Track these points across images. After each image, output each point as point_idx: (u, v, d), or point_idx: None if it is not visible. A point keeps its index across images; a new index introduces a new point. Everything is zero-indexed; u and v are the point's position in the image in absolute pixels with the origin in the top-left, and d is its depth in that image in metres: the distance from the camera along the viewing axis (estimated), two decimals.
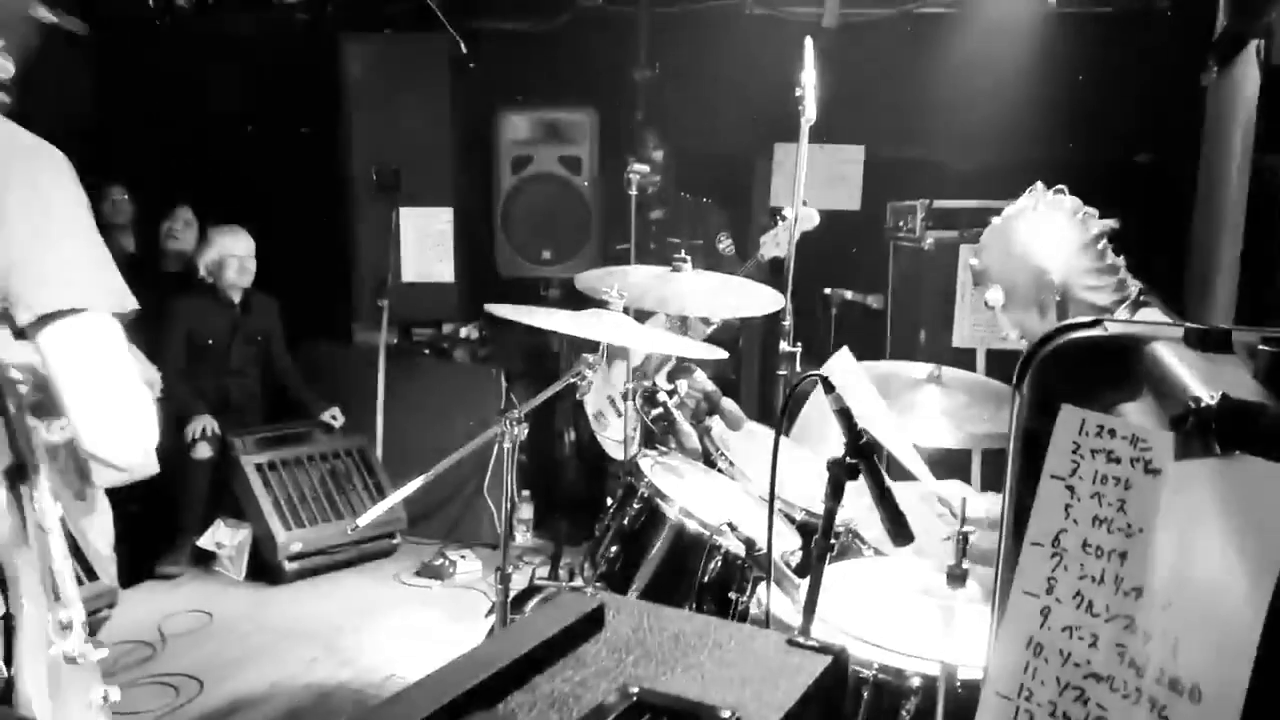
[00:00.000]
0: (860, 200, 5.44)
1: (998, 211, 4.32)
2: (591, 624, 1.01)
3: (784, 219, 4.19)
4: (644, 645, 0.99)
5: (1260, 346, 1.04)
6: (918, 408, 3.03)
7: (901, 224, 4.49)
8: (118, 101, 5.77)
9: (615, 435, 4.62)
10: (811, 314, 4.61)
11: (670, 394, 2.76)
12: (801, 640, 1.00)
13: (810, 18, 5.10)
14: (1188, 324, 1.15)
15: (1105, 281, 2.26)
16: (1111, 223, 2.31)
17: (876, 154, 5.49)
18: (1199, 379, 1.02)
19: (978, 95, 4.98)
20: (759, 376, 5.49)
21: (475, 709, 0.83)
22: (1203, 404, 0.95)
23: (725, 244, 4.92)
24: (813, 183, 5.33)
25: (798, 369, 3.56)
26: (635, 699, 0.88)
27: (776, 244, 4.13)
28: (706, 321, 4.37)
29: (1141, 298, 2.37)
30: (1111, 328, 1.21)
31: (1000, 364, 4.02)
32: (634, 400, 2.91)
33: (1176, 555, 0.93)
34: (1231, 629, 0.86)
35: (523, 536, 5.27)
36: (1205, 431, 0.92)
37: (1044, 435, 1.18)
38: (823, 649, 0.99)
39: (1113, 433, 1.01)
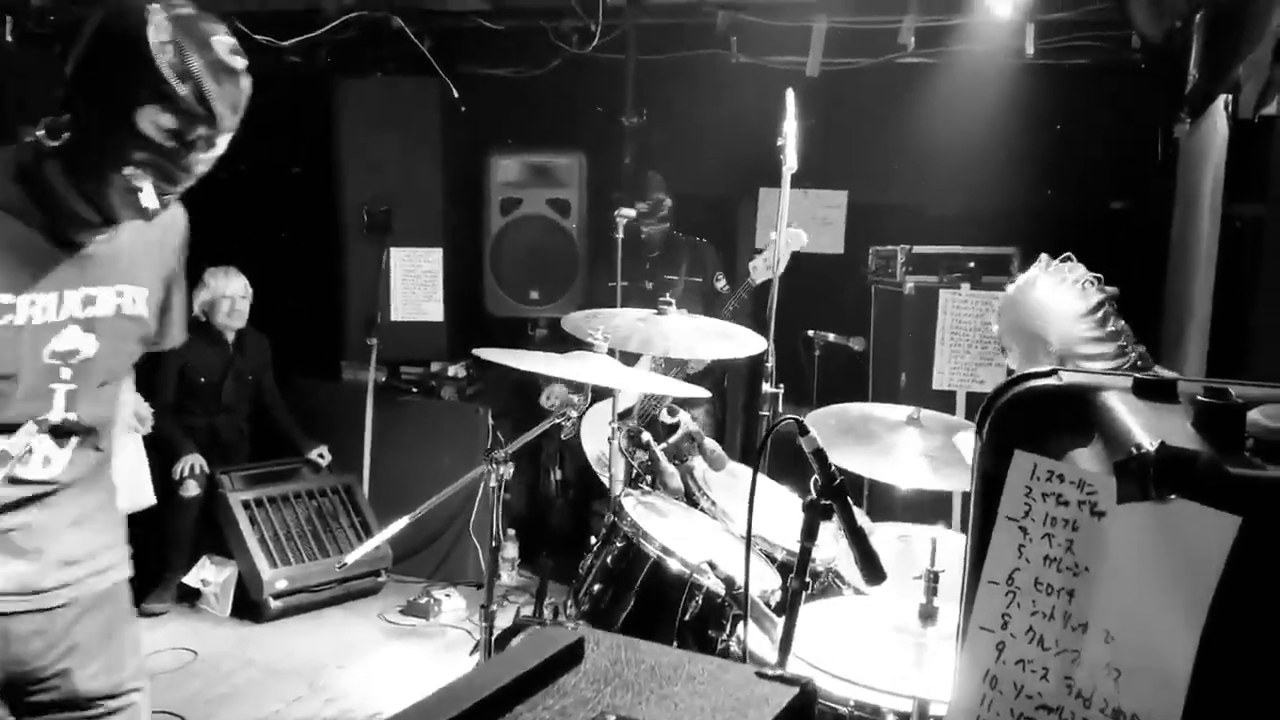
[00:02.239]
0: (843, 244, 5.54)
1: (974, 257, 4.45)
2: (572, 656, 1.07)
3: (772, 242, 4.27)
4: (622, 676, 1.05)
5: (1199, 397, 1.11)
6: (897, 449, 3.10)
7: (883, 268, 4.58)
8: None
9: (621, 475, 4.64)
10: (794, 356, 4.68)
11: (673, 428, 2.82)
12: (770, 672, 1.06)
13: (794, 66, 5.21)
14: (1136, 375, 1.23)
15: (1103, 349, 2.38)
16: (1112, 290, 2.44)
17: (859, 199, 5.60)
18: (1142, 427, 1.09)
19: (958, 143, 5.10)
20: (742, 417, 5.56)
21: None
22: (1142, 451, 1.02)
23: (722, 283, 4.98)
24: (796, 226, 5.43)
25: (780, 410, 3.64)
26: None
27: (767, 267, 4.22)
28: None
29: (1140, 362, 2.49)
30: (1066, 377, 1.28)
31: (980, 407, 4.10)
32: (620, 441, 2.96)
33: (1119, 593, 1.00)
34: (1168, 661, 0.92)
35: (508, 575, 5.30)
36: (1144, 477, 0.99)
37: (1002, 478, 1.24)
38: (790, 680, 1.05)
39: (1061, 477, 1.08)
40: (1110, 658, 0.98)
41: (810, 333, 4.81)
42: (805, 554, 1.66)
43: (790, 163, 3.21)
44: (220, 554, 4.93)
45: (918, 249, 4.46)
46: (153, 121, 1.67)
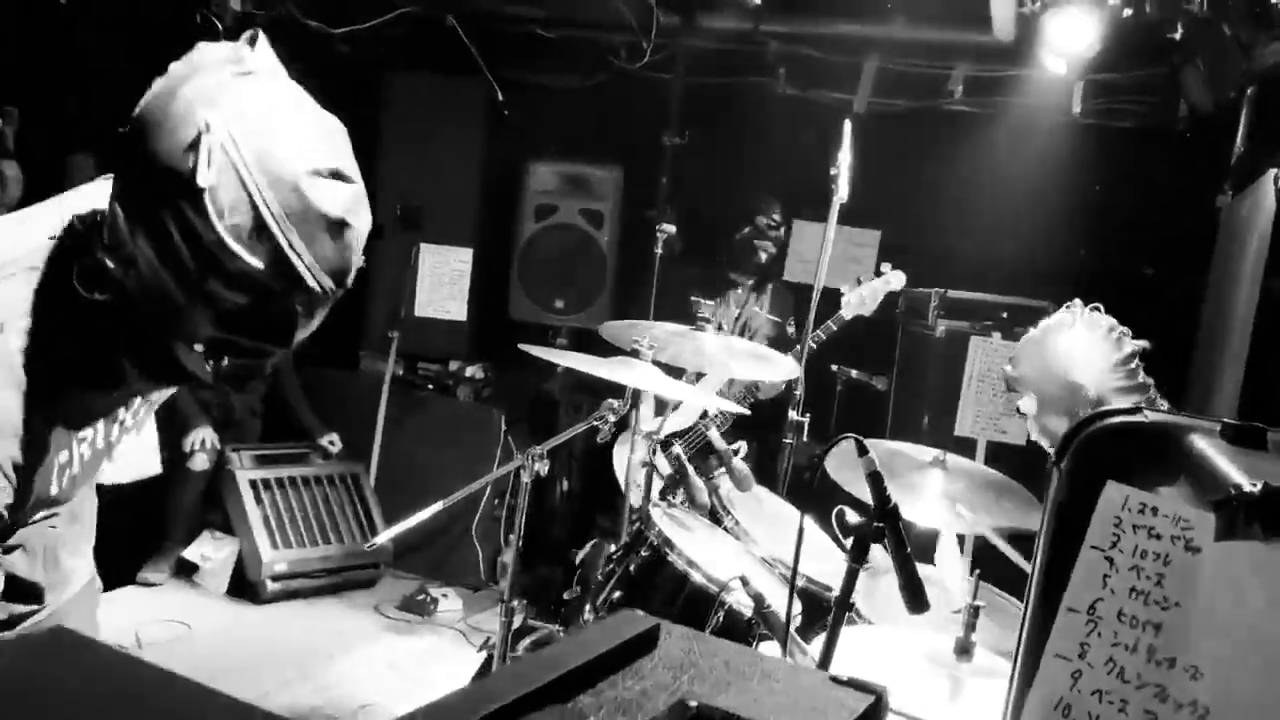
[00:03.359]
0: None
1: (1008, 307, 4.44)
2: (646, 642, 1.06)
3: (875, 278, 4.24)
4: (697, 666, 1.04)
5: None
6: (920, 489, 3.10)
7: (914, 310, 4.58)
8: None
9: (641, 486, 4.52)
10: (817, 388, 4.67)
11: (736, 453, 2.81)
12: (844, 678, 1.05)
13: (840, 103, 5.25)
14: (1224, 420, 1.22)
15: (1134, 400, 2.38)
16: (1143, 343, 2.42)
17: (890, 240, 5.61)
18: (1238, 469, 1.09)
19: (996, 194, 5.12)
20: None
21: (545, 705, 0.88)
22: (1245, 491, 1.01)
23: (792, 329, 4.91)
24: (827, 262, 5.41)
25: (804, 439, 3.63)
26: (695, 712, 0.92)
27: (861, 302, 4.19)
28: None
29: None
30: (1150, 416, 1.28)
31: (1002, 456, 4.08)
32: (649, 453, 2.95)
33: (1212, 631, 0.99)
34: (1261, 704, 0.91)
35: (504, 581, 5.26)
36: (1247, 516, 0.99)
37: (1079, 510, 1.24)
38: (865, 687, 1.04)
39: (1155, 511, 1.07)
40: (1198, 695, 0.97)
41: (834, 368, 4.81)
42: (853, 575, 1.65)
43: (842, 193, 3.22)
44: (222, 531, 4.91)
45: (952, 293, 4.46)
46: (221, 297, 1.20)
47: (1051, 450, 2.32)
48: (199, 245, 1.16)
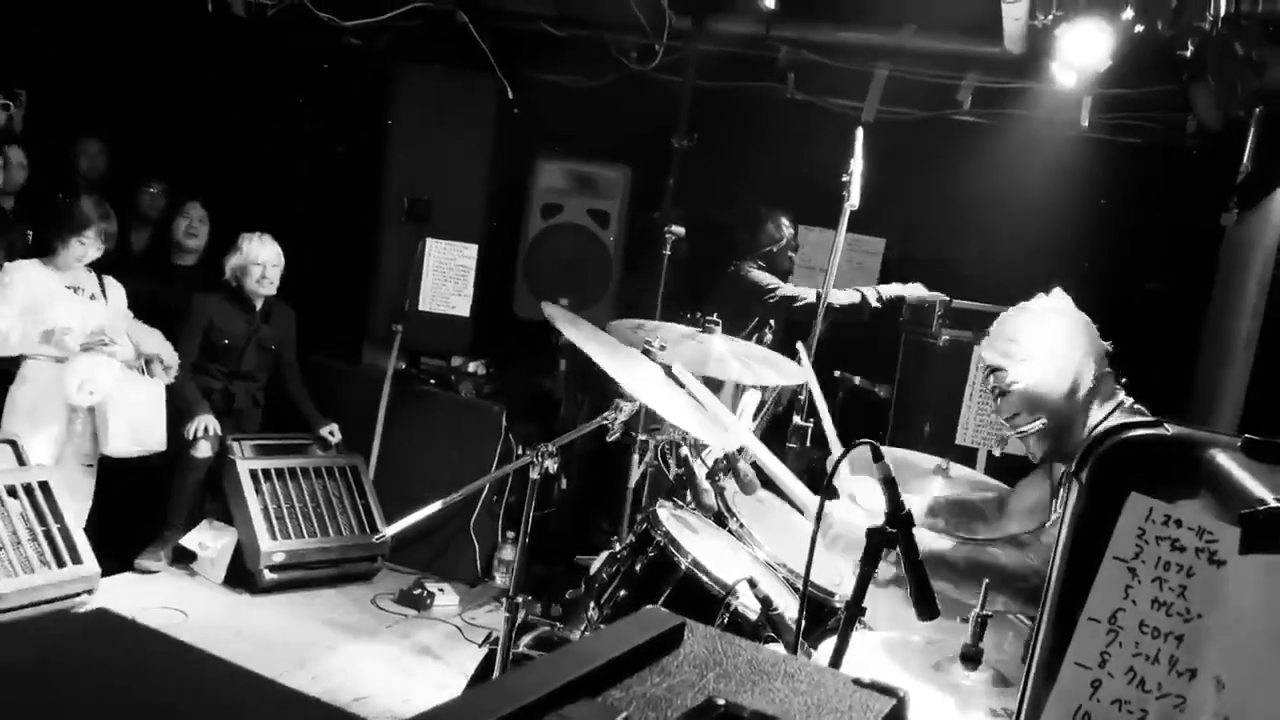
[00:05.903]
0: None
1: None
2: (671, 639, 1.07)
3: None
4: (721, 665, 1.05)
5: None
6: (923, 496, 3.11)
7: (917, 318, 4.59)
8: (159, 98, 5.90)
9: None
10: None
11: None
12: (866, 680, 1.06)
13: (849, 110, 5.26)
14: (1247, 435, 1.23)
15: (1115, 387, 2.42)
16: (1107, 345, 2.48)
17: (895, 248, 5.63)
18: (1263, 485, 1.10)
19: (1002, 205, 5.13)
20: None
21: (578, 699, 0.88)
22: (1269, 505, 1.02)
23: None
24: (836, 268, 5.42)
25: (807, 444, 3.65)
26: (724, 710, 0.93)
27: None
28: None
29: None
30: (1171, 429, 1.29)
31: (1002, 466, 4.08)
32: (655, 455, 2.95)
33: (1235, 643, 1.00)
34: None
35: (502, 578, 5.28)
36: (1273, 530, 0.99)
37: (1100, 521, 1.25)
38: (886, 690, 1.05)
39: (1179, 523, 1.08)
40: (1220, 707, 0.98)
41: (836, 374, 4.81)
42: (865, 579, 1.66)
43: (854, 200, 3.25)
44: (221, 520, 4.91)
45: (956, 303, 4.47)
46: None
47: (1031, 454, 2.36)
48: None
